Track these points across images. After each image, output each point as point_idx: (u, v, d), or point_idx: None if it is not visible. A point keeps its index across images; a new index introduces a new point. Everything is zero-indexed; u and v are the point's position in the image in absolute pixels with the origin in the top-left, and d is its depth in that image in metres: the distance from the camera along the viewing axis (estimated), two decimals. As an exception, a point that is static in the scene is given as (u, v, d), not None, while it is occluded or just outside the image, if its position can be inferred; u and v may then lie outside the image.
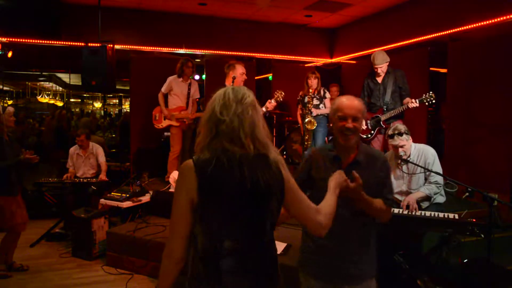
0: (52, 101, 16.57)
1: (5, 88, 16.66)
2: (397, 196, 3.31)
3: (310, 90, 5.13)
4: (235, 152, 1.39)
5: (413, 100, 4.13)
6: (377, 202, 1.88)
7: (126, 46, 7.18)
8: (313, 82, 5.15)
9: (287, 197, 1.46)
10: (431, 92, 4.01)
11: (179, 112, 5.40)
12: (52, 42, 6.80)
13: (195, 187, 1.35)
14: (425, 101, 4.05)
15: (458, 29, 5.69)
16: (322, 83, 5.34)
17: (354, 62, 8.22)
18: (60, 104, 16.94)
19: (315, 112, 5.01)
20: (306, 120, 4.91)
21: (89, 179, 5.17)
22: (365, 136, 4.51)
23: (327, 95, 5.27)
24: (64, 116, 8.55)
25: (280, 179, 1.44)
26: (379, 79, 4.42)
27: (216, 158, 1.38)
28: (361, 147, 1.96)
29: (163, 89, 5.43)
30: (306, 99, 5.01)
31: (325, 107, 5.17)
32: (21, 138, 8.90)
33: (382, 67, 4.37)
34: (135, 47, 7.29)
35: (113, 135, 10.88)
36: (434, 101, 4.02)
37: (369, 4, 6.78)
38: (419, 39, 6.37)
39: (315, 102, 5.15)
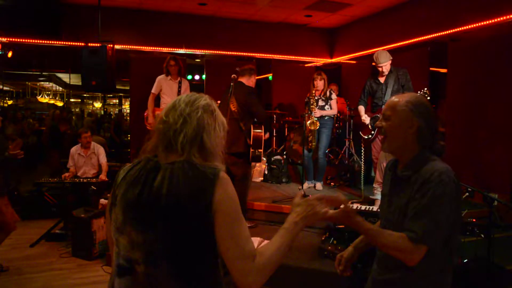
0: (52, 101, 16.57)
1: (5, 88, 16.67)
2: None
3: (315, 92, 5.04)
4: (158, 159, 1.25)
5: None
6: (388, 236, 1.45)
7: (126, 46, 7.18)
8: (319, 83, 5.02)
9: (216, 227, 1.16)
10: (425, 89, 3.98)
11: None
12: (52, 42, 6.80)
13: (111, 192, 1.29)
14: None
15: (458, 29, 5.69)
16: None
17: (354, 62, 8.22)
18: (60, 104, 16.94)
19: (319, 113, 4.96)
20: (309, 121, 4.88)
21: (89, 179, 5.17)
22: (366, 137, 4.50)
23: (333, 96, 5.14)
24: (58, 116, 8.52)
25: (203, 197, 1.15)
26: (382, 79, 4.40)
27: (135, 164, 1.28)
28: (417, 158, 1.53)
29: (153, 89, 5.38)
30: (311, 101, 4.96)
31: (330, 108, 5.10)
32: (21, 137, 8.91)
33: (386, 65, 4.30)
34: (135, 47, 7.29)
35: (108, 135, 10.91)
36: (428, 98, 3.99)
37: (369, 4, 6.78)
38: (419, 39, 6.37)
39: (321, 103, 5.07)
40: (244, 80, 4.26)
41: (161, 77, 5.42)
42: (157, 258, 1.15)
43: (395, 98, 1.60)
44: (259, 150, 4.06)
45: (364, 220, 1.49)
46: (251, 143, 4.04)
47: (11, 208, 3.85)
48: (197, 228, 1.15)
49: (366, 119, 4.41)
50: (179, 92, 5.38)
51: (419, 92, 4.03)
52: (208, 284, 1.19)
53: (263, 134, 4.13)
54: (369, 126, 4.46)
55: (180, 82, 5.41)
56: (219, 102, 4.41)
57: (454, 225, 1.46)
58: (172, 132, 1.23)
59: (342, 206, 1.40)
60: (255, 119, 4.16)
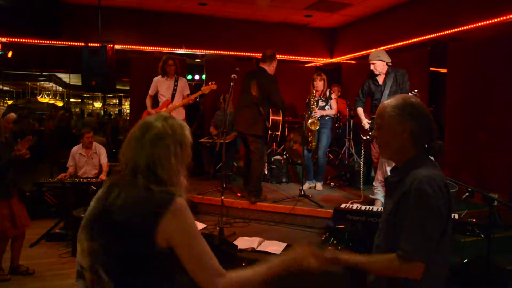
0: (52, 101, 16.58)
1: (5, 88, 16.66)
2: None
3: (315, 92, 5.03)
4: (117, 181, 1.30)
5: None
6: (380, 263, 1.47)
7: (126, 46, 7.19)
8: (319, 84, 5.00)
9: (176, 250, 1.22)
10: (416, 91, 3.98)
11: (166, 107, 5.32)
12: (52, 42, 6.80)
13: None
14: None
15: (458, 29, 5.69)
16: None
17: (354, 62, 8.22)
18: (60, 104, 16.94)
19: (319, 113, 4.96)
20: (310, 121, 4.88)
21: (89, 179, 5.16)
22: (365, 138, 4.49)
23: (333, 96, 5.14)
24: (65, 117, 8.56)
25: (150, 221, 1.18)
26: (380, 80, 4.38)
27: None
28: (408, 162, 1.51)
29: (150, 91, 5.39)
30: (311, 102, 4.96)
31: (331, 108, 5.09)
32: (21, 137, 8.90)
33: (375, 64, 4.28)
34: (135, 47, 7.29)
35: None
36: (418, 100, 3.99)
37: (369, 4, 6.78)
38: (419, 39, 6.37)
39: (321, 103, 5.07)
40: (265, 66, 4.54)
41: (156, 78, 5.40)
42: (98, 268, 1.22)
43: (383, 104, 1.57)
44: (276, 133, 4.53)
45: (351, 255, 1.50)
46: (270, 126, 4.47)
47: (20, 212, 3.74)
48: (139, 248, 1.19)
49: (366, 124, 4.38)
50: (174, 90, 5.35)
51: (410, 93, 4.02)
52: None
53: (281, 119, 4.52)
54: (367, 127, 4.45)
55: (176, 80, 5.39)
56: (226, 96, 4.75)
57: (442, 230, 1.42)
58: (127, 159, 1.29)
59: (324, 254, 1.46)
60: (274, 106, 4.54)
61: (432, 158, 1.56)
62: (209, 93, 6.74)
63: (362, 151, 4.76)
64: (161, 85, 5.37)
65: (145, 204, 1.21)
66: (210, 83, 5.28)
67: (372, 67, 4.32)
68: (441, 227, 1.41)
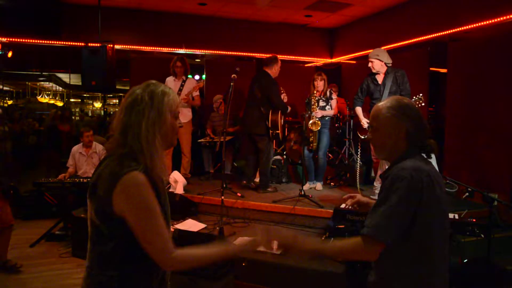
0: (52, 101, 16.58)
1: (5, 88, 16.64)
2: None
3: (316, 92, 5.04)
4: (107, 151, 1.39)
5: None
6: (339, 245, 1.52)
7: (126, 46, 7.18)
8: (320, 84, 5.01)
9: (127, 222, 1.25)
10: (420, 95, 4.00)
11: None
12: (52, 42, 6.80)
13: None
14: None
15: (458, 29, 5.68)
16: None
17: (354, 62, 8.22)
18: (60, 104, 16.94)
19: (320, 113, 4.96)
20: (311, 121, 4.88)
21: (89, 179, 5.15)
22: (363, 137, 4.49)
23: (333, 96, 5.15)
24: (58, 116, 8.50)
25: (107, 193, 1.24)
26: (380, 80, 4.38)
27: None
28: (399, 157, 1.54)
29: None
30: (312, 102, 4.96)
31: (331, 109, 5.10)
32: (21, 137, 8.91)
33: (373, 63, 4.30)
34: (135, 47, 7.29)
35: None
36: (423, 104, 4.02)
37: (369, 4, 6.78)
38: (419, 39, 6.37)
39: (322, 103, 5.07)
40: (268, 69, 4.89)
41: (168, 79, 5.48)
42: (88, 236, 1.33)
43: (377, 107, 1.59)
44: (276, 131, 4.87)
45: (309, 240, 1.57)
46: (270, 125, 4.83)
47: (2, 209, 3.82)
48: (103, 215, 1.27)
49: (365, 123, 4.38)
50: (180, 90, 5.39)
51: (414, 97, 4.04)
52: (116, 270, 1.28)
53: (279, 119, 4.86)
54: (367, 127, 4.45)
55: (184, 81, 5.44)
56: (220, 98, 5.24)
57: (418, 224, 1.41)
58: (112, 128, 1.34)
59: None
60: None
61: (425, 156, 1.57)
62: (208, 94, 6.74)
63: (359, 150, 4.77)
64: (170, 86, 5.41)
65: (107, 175, 1.26)
66: (196, 82, 5.47)
67: (370, 64, 4.34)
68: (412, 216, 1.41)
